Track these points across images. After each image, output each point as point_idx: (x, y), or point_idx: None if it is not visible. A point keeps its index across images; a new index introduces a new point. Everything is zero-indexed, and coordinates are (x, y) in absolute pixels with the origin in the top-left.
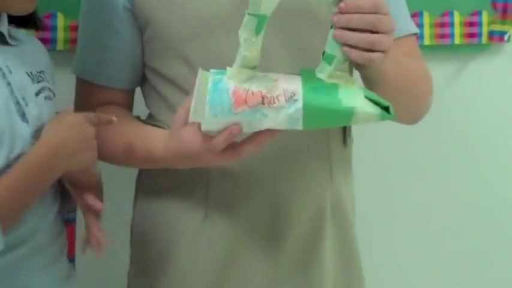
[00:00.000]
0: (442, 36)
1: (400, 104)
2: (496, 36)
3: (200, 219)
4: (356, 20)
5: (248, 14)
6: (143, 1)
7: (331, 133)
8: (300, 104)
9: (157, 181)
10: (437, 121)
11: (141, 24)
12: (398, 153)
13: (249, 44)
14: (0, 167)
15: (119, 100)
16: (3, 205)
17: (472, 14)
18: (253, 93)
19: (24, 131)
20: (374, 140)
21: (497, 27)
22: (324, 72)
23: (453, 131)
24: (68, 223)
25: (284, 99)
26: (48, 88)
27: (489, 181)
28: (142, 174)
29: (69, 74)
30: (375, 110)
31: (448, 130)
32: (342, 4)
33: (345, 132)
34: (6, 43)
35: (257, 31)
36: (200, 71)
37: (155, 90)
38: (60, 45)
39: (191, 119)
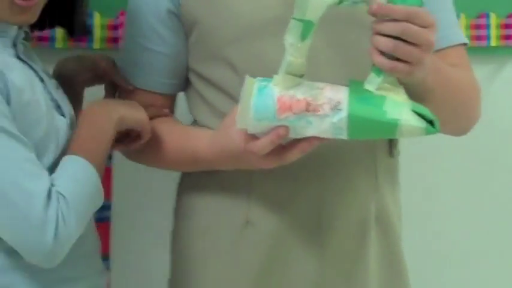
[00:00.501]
0: (478, 38)
1: (444, 116)
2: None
3: (242, 223)
4: (386, 26)
5: (293, 18)
6: (189, 4)
7: (378, 143)
8: (344, 113)
9: (199, 184)
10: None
11: (186, 28)
12: (442, 162)
13: (294, 50)
14: (50, 162)
15: (161, 105)
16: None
17: (508, 16)
18: (298, 100)
19: (63, 123)
20: (420, 149)
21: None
22: (372, 84)
23: (490, 135)
24: (102, 221)
25: (329, 108)
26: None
27: None
28: (184, 178)
29: None
30: (420, 123)
31: (485, 134)
32: (374, 6)
33: (391, 142)
34: (28, 40)
35: (303, 37)
36: (247, 77)
37: (199, 95)
38: (96, 44)
39: (238, 125)
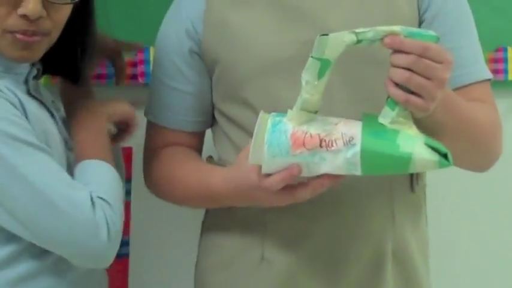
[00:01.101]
0: (496, 71)
1: (458, 150)
2: None
3: (257, 259)
4: (398, 57)
5: (312, 57)
6: (209, 44)
7: (395, 179)
8: (357, 148)
9: (218, 222)
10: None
11: (209, 67)
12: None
13: (310, 87)
14: None
15: (186, 142)
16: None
17: (497, 50)
18: (311, 136)
19: (72, 158)
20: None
21: None
22: (386, 118)
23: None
24: (120, 258)
25: (342, 143)
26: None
27: None
28: (206, 216)
29: None
30: (433, 157)
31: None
32: (387, 39)
33: (413, 176)
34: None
35: (320, 75)
36: (261, 113)
37: (223, 132)
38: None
39: (250, 160)
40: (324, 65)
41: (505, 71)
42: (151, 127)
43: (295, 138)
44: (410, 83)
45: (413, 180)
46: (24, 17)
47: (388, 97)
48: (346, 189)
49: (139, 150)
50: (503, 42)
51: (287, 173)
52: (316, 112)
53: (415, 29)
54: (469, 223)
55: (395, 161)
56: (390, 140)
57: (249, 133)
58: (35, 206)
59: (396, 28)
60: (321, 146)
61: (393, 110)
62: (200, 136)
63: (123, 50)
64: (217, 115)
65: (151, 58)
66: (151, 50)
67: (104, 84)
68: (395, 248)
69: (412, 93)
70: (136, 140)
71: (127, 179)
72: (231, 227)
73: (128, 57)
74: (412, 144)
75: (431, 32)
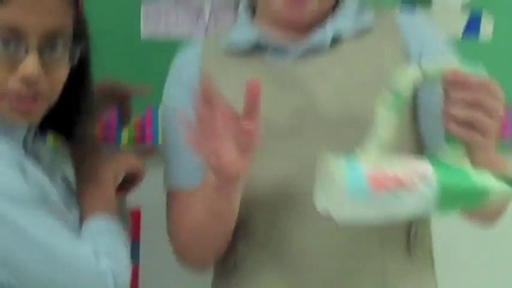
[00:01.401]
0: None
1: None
2: None
3: None
4: (464, 93)
5: (387, 90)
6: None
7: (387, 249)
8: (434, 186)
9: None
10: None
11: None
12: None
13: (385, 123)
14: None
15: None
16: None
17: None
18: (389, 176)
19: (71, 218)
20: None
21: None
22: (446, 155)
23: None
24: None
25: (419, 182)
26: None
27: None
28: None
29: None
30: (508, 188)
31: None
32: (450, 72)
33: (409, 238)
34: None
35: (394, 109)
36: (327, 157)
37: None
38: (124, 142)
39: (319, 207)
40: (398, 99)
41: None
42: (173, 193)
43: (374, 179)
44: (474, 122)
45: (410, 241)
46: (23, 79)
47: (445, 135)
48: (336, 259)
49: (147, 212)
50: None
51: None
52: (389, 150)
53: (470, 65)
54: None
55: (473, 195)
56: (462, 175)
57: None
58: (37, 261)
59: (455, 64)
60: (399, 186)
61: (452, 147)
62: None
63: (132, 94)
64: None
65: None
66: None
67: (113, 143)
68: None
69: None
70: (144, 201)
71: (135, 241)
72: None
73: (137, 117)
74: (484, 177)
75: (482, 69)
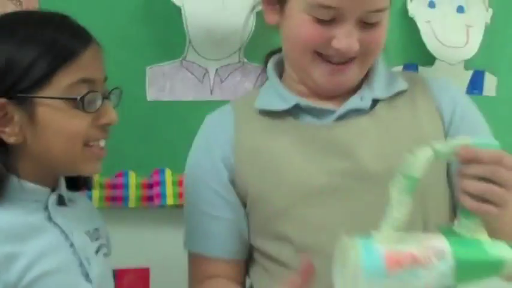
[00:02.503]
0: None
1: None
2: None
3: None
4: (476, 169)
5: (400, 174)
6: (242, 174)
7: None
8: (450, 261)
9: None
10: None
11: (242, 196)
12: None
13: (400, 205)
14: None
15: (228, 273)
16: None
17: None
18: (405, 255)
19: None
20: None
21: None
22: (463, 228)
23: None
24: None
25: (435, 258)
26: (105, 245)
27: None
28: None
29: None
30: None
31: None
32: (462, 150)
33: None
34: (64, 204)
35: (408, 192)
36: (343, 238)
37: (258, 263)
38: (131, 203)
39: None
40: (412, 182)
41: None
42: (193, 258)
43: (390, 258)
44: (487, 193)
45: None
46: (104, 127)
47: (461, 207)
48: None
49: (156, 271)
50: None
51: None
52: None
53: (482, 139)
54: None
55: (488, 267)
56: (478, 248)
57: (287, 266)
58: None
59: (467, 140)
60: (415, 263)
61: (468, 219)
62: (240, 266)
63: None
64: (251, 248)
65: (167, 180)
66: (167, 172)
67: (121, 205)
68: None
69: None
70: (153, 261)
71: None
72: None
73: (144, 178)
74: (499, 248)
75: (495, 141)
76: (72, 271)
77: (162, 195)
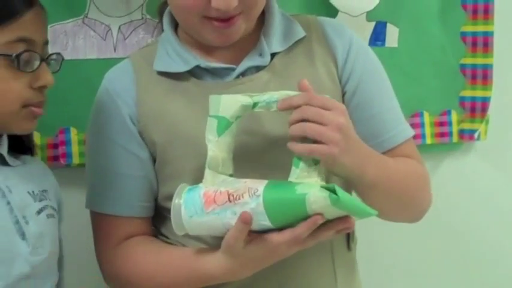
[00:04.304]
0: (413, 136)
1: (392, 206)
2: (466, 135)
3: None
4: (292, 114)
5: (209, 116)
6: (148, 133)
7: (335, 239)
8: (260, 198)
9: None
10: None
11: (151, 152)
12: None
13: (212, 145)
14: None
15: (141, 230)
16: None
17: (442, 114)
18: (221, 193)
19: (24, 249)
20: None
21: (466, 126)
22: (292, 176)
23: (434, 228)
24: None
25: (248, 196)
26: (51, 207)
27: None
28: None
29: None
30: (323, 193)
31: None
32: (279, 104)
33: (349, 236)
34: (6, 164)
35: (219, 132)
36: (181, 185)
37: (163, 212)
38: (75, 160)
39: (176, 231)
40: (221, 122)
41: (423, 136)
42: (99, 219)
43: (207, 196)
44: (306, 131)
45: (350, 238)
46: (40, 89)
47: (293, 157)
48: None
49: (62, 228)
50: (419, 107)
51: (311, 222)
52: (230, 174)
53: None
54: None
55: (294, 204)
56: (289, 187)
57: None
58: None
59: (291, 92)
60: (229, 200)
61: (297, 167)
62: (150, 222)
63: None
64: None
65: (72, 139)
66: (72, 131)
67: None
68: None
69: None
70: None
71: None
72: None
73: (48, 138)
74: (308, 187)
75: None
76: (5, 228)
77: (68, 155)
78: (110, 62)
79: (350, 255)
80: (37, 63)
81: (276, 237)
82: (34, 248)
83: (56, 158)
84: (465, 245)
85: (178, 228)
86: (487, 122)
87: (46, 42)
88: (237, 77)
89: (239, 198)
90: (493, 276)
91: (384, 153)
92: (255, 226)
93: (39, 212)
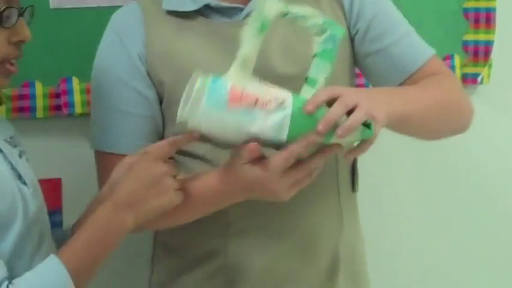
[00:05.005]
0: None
1: (438, 127)
2: (469, 79)
3: (219, 264)
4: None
5: (254, 13)
6: (157, 74)
7: (341, 180)
8: (289, 111)
9: (175, 242)
10: (420, 164)
11: (159, 93)
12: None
13: (250, 42)
14: (16, 232)
15: None
16: (77, 266)
17: (444, 58)
18: (248, 94)
19: (27, 191)
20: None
21: (469, 70)
22: (307, 95)
23: (435, 170)
24: None
25: (275, 105)
26: (24, 152)
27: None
28: (159, 233)
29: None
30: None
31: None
32: (319, 127)
33: (354, 178)
34: None
35: (259, 31)
36: (197, 76)
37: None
38: (40, 114)
39: (179, 118)
40: (264, 23)
41: None
42: (105, 159)
43: (233, 93)
44: (342, 108)
45: (355, 180)
46: (18, 44)
47: (307, 77)
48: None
49: (67, 181)
50: (450, 50)
51: (287, 152)
52: (251, 69)
53: (329, 20)
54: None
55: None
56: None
57: (203, 160)
58: None
59: (315, 11)
60: (256, 104)
61: (313, 87)
62: None
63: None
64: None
65: (74, 88)
66: (74, 81)
67: (29, 117)
68: (345, 251)
69: None
70: (65, 171)
71: (57, 210)
72: (192, 233)
73: (51, 87)
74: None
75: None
76: (8, 173)
77: (70, 104)
78: (112, 10)
79: (354, 196)
80: (15, 18)
81: (273, 155)
82: (34, 191)
83: (58, 108)
84: (466, 187)
85: (190, 112)
86: (490, 66)
87: None
88: (245, 17)
89: (266, 105)
90: (493, 216)
91: (409, 77)
92: (263, 133)
93: (20, 156)
